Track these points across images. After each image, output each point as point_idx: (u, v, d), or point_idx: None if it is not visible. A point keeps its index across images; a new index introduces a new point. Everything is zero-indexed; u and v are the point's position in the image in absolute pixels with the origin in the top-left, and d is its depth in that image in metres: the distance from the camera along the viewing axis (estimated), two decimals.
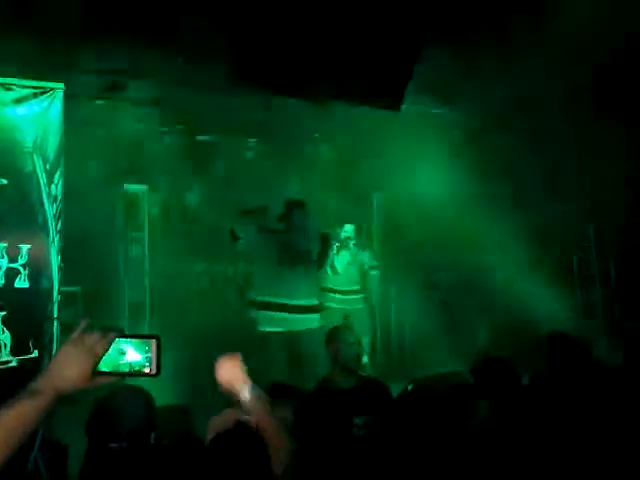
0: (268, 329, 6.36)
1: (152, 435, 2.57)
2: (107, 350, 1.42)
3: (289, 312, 6.34)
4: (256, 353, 6.63)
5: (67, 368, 1.39)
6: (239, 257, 9.41)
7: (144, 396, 2.60)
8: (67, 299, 5.21)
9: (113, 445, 2.38)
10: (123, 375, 1.46)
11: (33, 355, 4.37)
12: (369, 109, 5.22)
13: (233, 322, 9.24)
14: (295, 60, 3.93)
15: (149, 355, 1.45)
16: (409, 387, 5.34)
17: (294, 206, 6.80)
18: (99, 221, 7.89)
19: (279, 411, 2.78)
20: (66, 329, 4.54)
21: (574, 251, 9.33)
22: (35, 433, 4.21)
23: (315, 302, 6.67)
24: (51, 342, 4.43)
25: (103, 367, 1.44)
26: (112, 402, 2.51)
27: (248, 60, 3.90)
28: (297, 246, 6.53)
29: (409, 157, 8.72)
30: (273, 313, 6.36)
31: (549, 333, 3.66)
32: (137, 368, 1.46)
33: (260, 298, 6.47)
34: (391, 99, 4.23)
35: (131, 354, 1.45)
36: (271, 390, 3.11)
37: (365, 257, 8.08)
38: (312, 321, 6.53)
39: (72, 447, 4.49)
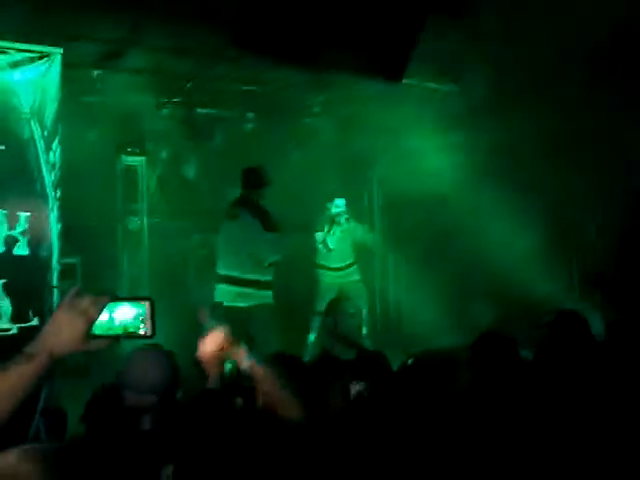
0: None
1: (179, 393, 2.68)
2: (100, 313, 1.42)
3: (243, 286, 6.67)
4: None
5: (61, 331, 1.40)
6: None
7: (168, 355, 2.71)
8: (66, 271, 5.20)
9: (143, 400, 2.48)
10: (118, 338, 1.47)
11: (33, 323, 4.38)
12: (370, 81, 5.18)
13: None
14: (296, 29, 3.89)
15: (143, 317, 1.45)
16: (409, 361, 5.38)
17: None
18: (98, 193, 7.87)
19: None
20: None
21: (573, 226, 9.30)
22: (36, 399, 4.23)
23: (269, 278, 6.82)
24: (51, 310, 4.43)
25: (97, 330, 1.43)
26: (139, 360, 2.61)
27: (250, 29, 3.85)
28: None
29: (409, 131, 8.68)
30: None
31: (556, 310, 3.69)
32: (132, 330, 1.46)
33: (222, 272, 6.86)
34: (393, 71, 4.18)
35: (125, 316, 1.45)
36: (272, 360, 3.12)
37: (359, 230, 8.04)
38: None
39: (72, 417, 4.53)
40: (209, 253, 9.54)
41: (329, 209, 7.86)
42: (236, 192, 9.22)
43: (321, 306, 7.43)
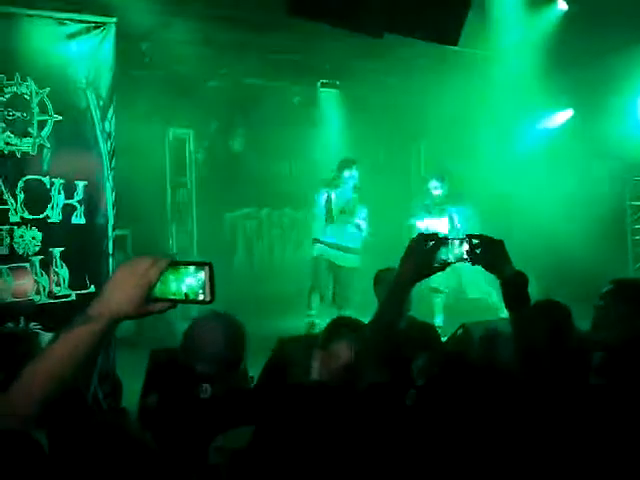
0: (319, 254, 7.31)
1: (243, 363, 2.58)
2: (160, 276, 1.39)
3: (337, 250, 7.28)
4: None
5: (120, 293, 1.37)
6: (285, 203, 9.45)
7: (237, 324, 2.56)
8: (116, 241, 5.27)
9: (200, 368, 2.39)
10: (177, 302, 1.42)
11: (90, 290, 4.45)
12: (424, 46, 5.08)
13: (280, 264, 9.36)
14: None
15: (202, 282, 1.41)
16: (459, 332, 5.32)
17: (345, 165, 7.28)
18: (146, 165, 7.94)
19: (343, 351, 2.74)
20: None
21: (625, 200, 9.11)
22: (93, 367, 4.31)
23: (358, 245, 7.27)
24: (107, 277, 4.49)
25: (157, 293, 1.40)
26: (202, 328, 2.51)
27: None
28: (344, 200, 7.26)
29: (458, 104, 8.54)
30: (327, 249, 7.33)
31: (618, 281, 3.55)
32: (191, 295, 1.41)
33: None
34: (448, 32, 4.08)
35: (184, 280, 1.41)
36: (335, 327, 3.08)
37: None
38: (352, 260, 7.40)
39: (126, 386, 4.63)
40: (257, 224, 9.62)
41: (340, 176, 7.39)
42: (283, 165, 9.24)
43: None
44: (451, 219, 7.53)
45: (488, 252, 2.14)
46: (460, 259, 2.14)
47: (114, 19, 4.43)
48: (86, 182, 4.41)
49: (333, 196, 7.28)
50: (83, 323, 1.35)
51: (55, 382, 1.33)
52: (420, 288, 7.10)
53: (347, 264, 7.36)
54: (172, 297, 1.42)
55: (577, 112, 8.99)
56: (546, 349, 2.61)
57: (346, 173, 7.24)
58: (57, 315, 4.22)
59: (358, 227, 7.36)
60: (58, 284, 4.38)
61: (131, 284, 1.38)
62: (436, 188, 7.60)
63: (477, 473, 1.70)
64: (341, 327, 2.98)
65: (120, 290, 1.38)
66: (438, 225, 7.41)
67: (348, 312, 6.54)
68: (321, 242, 7.37)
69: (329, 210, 7.28)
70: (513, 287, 2.15)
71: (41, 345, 3.11)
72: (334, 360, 2.75)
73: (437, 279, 7.41)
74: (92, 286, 4.48)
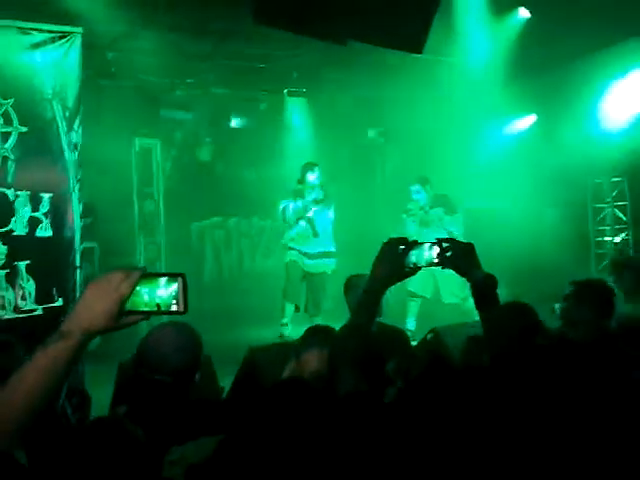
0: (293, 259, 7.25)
1: (197, 375, 2.51)
2: (132, 289, 1.39)
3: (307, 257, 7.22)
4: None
5: (93, 308, 1.37)
6: (253, 212, 9.44)
7: (191, 333, 2.52)
8: (84, 254, 5.20)
9: (158, 378, 2.34)
10: (150, 314, 1.43)
11: (57, 304, 4.39)
12: (389, 54, 5.14)
13: (249, 273, 9.33)
14: (319, 3, 3.84)
15: (175, 293, 1.41)
16: (428, 336, 5.36)
17: (307, 168, 7.19)
18: (114, 176, 7.87)
19: (314, 360, 2.74)
20: (85, 283, 4.54)
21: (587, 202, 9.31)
22: (62, 386, 4.24)
23: (326, 249, 7.24)
24: (74, 291, 4.44)
25: (130, 306, 1.40)
26: (158, 338, 2.47)
27: (271, 3, 3.82)
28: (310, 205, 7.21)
29: (423, 110, 8.65)
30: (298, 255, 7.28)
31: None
32: (164, 306, 1.42)
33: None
34: (413, 40, 4.13)
35: (157, 292, 1.42)
36: (308, 335, 3.08)
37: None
38: (324, 266, 7.30)
39: (94, 399, 4.58)
40: (226, 234, 9.59)
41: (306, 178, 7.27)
42: (251, 173, 9.24)
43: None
44: (439, 222, 7.59)
45: (458, 255, 2.18)
46: (431, 263, 2.17)
47: (80, 29, 4.39)
48: (52, 194, 4.34)
49: (291, 206, 7.20)
50: (58, 340, 1.35)
51: (35, 399, 1.32)
52: (397, 292, 7.16)
53: (317, 270, 7.32)
54: (145, 309, 1.42)
55: (540, 117, 9.17)
56: (516, 348, 2.66)
57: (309, 176, 7.18)
58: (23, 330, 4.13)
59: (322, 232, 7.31)
60: (24, 298, 4.30)
61: (103, 299, 1.38)
62: (418, 193, 7.68)
63: (460, 471, 1.72)
64: (313, 336, 2.99)
65: (93, 305, 1.38)
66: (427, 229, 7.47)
67: (319, 319, 6.56)
68: (291, 248, 7.33)
69: (287, 219, 7.24)
70: (483, 289, 2.19)
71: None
72: (305, 369, 2.76)
73: (414, 283, 7.48)
74: (59, 299, 4.41)
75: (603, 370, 2.51)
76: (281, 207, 7.28)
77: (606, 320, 3.39)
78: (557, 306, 3.55)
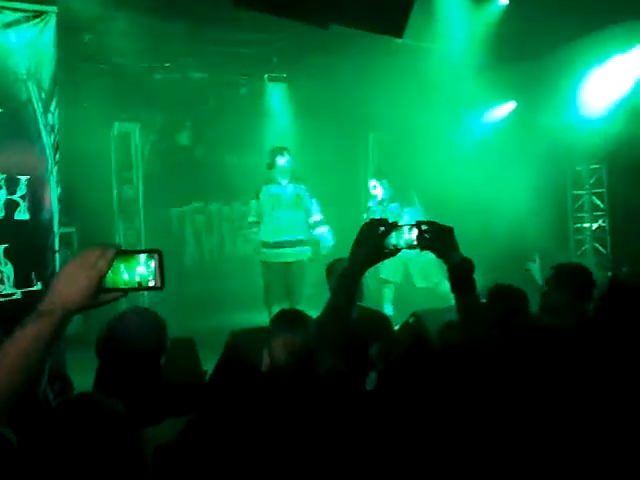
0: (268, 260, 7.01)
1: (162, 358, 2.52)
2: (109, 266, 1.40)
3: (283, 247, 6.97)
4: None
5: (71, 286, 1.37)
6: (234, 197, 9.40)
7: (155, 317, 2.56)
8: (63, 240, 5.15)
9: (122, 363, 2.36)
10: (128, 290, 1.44)
11: (36, 288, 4.36)
12: (370, 39, 5.13)
13: (230, 257, 9.31)
14: None
15: (152, 269, 1.42)
16: (410, 320, 5.41)
17: (277, 152, 6.98)
18: (92, 160, 7.79)
19: (283, 345, 2.76)
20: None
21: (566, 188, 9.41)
22: (43, 365, 4.21)
23: (302, 237, 7.05)
24: (53, 274, 4.40)
25: (108, 283, 1.41)
26: (122, 321, 2.48)
27: None
28: (285, 189, 6.99)
29: (404, 96, 8.64)
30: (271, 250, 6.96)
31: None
32: (142, 282, 1.43)
33: (264, 239, 7.02)
34: (394, 24, 4.13)
35: (134, 269, 1.43)
36: (277, 320, 3.09)
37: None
38: (301, 253, 7.07)
39: (76, 385, 4.56)
40: (206, 219, 9.55)
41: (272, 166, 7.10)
42: (231, 158, 9.20)
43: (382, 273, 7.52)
44: (397, 217, 7.58)
45: (437, 239, 2.19)
46: (410, 245, 2.17)
47: (54, 8, 4.32)
48: (29, 177, 4.30)
49: (260, 197, 6.99)
50: (37, 318, 1.34)
51: (17, 377, 1.31)
52: (370, 279, 7.15)
53: (296, 258, 7.11)
54: (123, 286, 1.43)
55: (520, 104, 9.22)
56: (495, 332, 2.68)
57: (279, 160, 6.93)
58: (2, 314, 4.10)
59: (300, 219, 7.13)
60: (2, 282, 4.26)
61: (81, 276, 1.38)
62: (374, 188, 7.69)
63: (440, 456, 1.74)
64: (282, 321, 3.00)
65: (70, 282, 1.38)
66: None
67: (301, 307, 6.49)
68: (263, 245, 7.03)
69: (259, 212, 7.03)
70: (460, 273, 2.21)
71: None
72: (276, 354, 2.78)
73: (385, 270, 7.53)
74: (38, 283, 4.38)
75: (578, 354, 2.54)
76: (254, 201, 7.06)
77: (585, 304, 3.44)
78: (530, 265, 3.60)
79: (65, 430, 1.47)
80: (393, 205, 7.69)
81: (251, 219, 7.13)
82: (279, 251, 7.02)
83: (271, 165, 7.04)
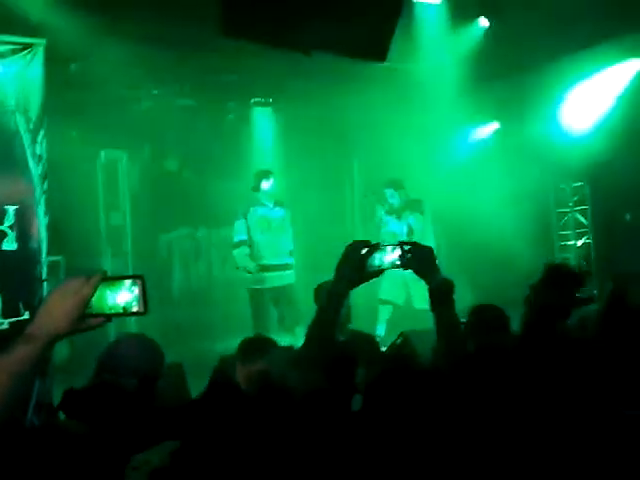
0: (256, 287, 7.05)
1: (159, 383, 2.59)
2: (93, 292, 1.44)
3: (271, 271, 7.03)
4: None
5: (56, 312, 1.41)
6: (222, 223, 9.43)
7: (151, 342, 2.65)
8: (50, 269, 5.15)
9: (122, 381, 2.40)
10: (112, 315, 1.48)
11: (24, 317, 4.36)
12: (351, 64, 5.21)
13: (218, 284, 9.29)
14: (277, 9, 3.89)
15: (135, 294, 1.47)
16: (398, 340, 5.43)
17: (262, 176, 7.16)
18: (80, 188, 7.80)
19: (254, 366, 2.81)
20: None
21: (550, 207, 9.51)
22: (29, 395, 4.21)
23: (289, 261, 7.17)
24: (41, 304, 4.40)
25: (93, 309, 1.46)
26: (121, 345, 2.58)
27: (231, 11, 3.85)
28: (272, 212, 7.12)
29: (388, 119, 8.76)
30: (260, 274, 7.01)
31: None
32: (126, 307, 1.48)
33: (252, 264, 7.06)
34: (375, 49, 4.20)
35: (118, 295, 1.47)
36: (246, 346, 3.13)
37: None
38: (289, 277, 7.12)
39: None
40: (194, 245, 9.55)
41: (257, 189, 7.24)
42: (219, 184, 9.23)
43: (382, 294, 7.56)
44: (409, 227, 7.67)
45: (418, 258, 2.25)
46: (393, 265, 2.22)
47: (43, 40, 4.38)
48: (17, 206, 4.33)
49: (248, 218, 7.08)
50: (22, 343, 1.38)
51: (3, 401, 1.34)
52: (369, 300, 7.15)
53: (284, 282, 7.13)
54: (107, 312, 1.47)
55: (502, 124, 9.36)
56: (472, 349, 2.71)
57: (264, 184, 7.11)
58: None
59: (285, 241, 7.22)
60: None
61: (65, 302, 1.42)
62: (392, 196, 7.76)
63: (425, 474, 1.75)
64: (245, 350, 3.04)
65: (55, 309, 1.42)
66: (397, 231, 7.56)
67: (300, 329, 6.50)
68: (253, 270, 7.01)
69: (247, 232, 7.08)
70: (439, 293, 2.26)
71: None
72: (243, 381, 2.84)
73: (388, 292, 7.55)
74: (26, 313, 4.38)
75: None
76: (241, 223, 7.09)
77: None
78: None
79: (33, 456, 1.50)
80: (406, 213, 7.74)
81: (240, 237, 7.14)
82: (269, 274, 7.01)
83: (256, 188, 7.13)
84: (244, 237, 7.10)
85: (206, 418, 2.06)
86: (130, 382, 2.42)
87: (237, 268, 7.20)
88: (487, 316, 3.58)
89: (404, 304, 7.69)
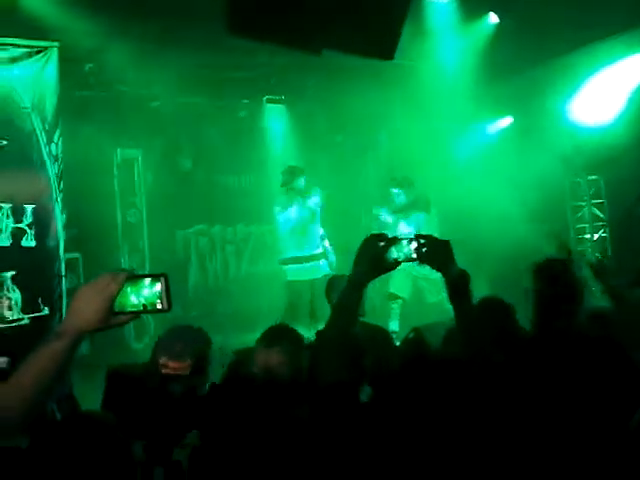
0: (290, 279, 7.47)
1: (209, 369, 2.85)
2: (119, 290, 1.51)
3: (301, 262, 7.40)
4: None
5: (85, 309, 1.49)
6: (237, 219, 9.51)
7: (201, 330, 2.94)
8: (68, 265, 5.26)
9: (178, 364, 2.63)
10: (138, 312, 1.55)
11: (44, 313, 4.46)
12: (363, 61, 5.24)
13: (235, 280, 9.38)
14: (288, 8, 3.94)
15: (159, 292, 1.53)
16: (410, 335, 5.46)
17: (294, 173, 7.44)
18: (96, 186, 7.91)
19: (275, 355, 2.87)
20: (70, 294, 4.61)
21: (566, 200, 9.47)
22: (59, 381, 4.30)
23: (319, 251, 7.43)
24: (60, 299, 4.51)
25: (118, 307, 1.52)
26: (178, 330, 2.84)
27: (242, 10, 3.90)
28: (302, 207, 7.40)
29: (401, 115, 8.77)
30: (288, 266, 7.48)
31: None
32: (150, 305, 1.54)
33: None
34: (384, 46, 4.22)
35: (142, 292, 1.53)
36: (269, 334, 3.19)
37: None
38: (319, 268, 7.41)
39: (83, 405, 4.63)
40: (210, 241, 9.63)
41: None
42: (233, 180, 9.31)
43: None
44: (416, 225, 7.68)
45: (434, 252, 2.28)
46: (409, 258, 2.26)
47: (56, 43, 4.48)
48: (35, 205, 4.43)
49: (293, 211, 7.39)
50: (54, 340, 1.47)
51: (35, 392, 1.43)
52: (377, 296, 7.19)
53: (320, 273, 7.35)
54: (132, 309, 1.54)
55: (517, 118, 9.33)
56: (489, 342, 2.74)
57: (301, 181, 7.44)
58: (11, 339, 4.20)
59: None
60: (10, 308, 4.37)
61: (94, 300, 1.50)
62: (398, 195, 7.77)
63: (438, 467, 1.80)
64: (271, 335, 3.11)
65: (84, 306, 1.50)
66: (404, 231, 7.58)
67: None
68: (291, 261, 7.41)
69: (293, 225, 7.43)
70: (456, 284, 2.29)
71: None
72: (263, 366, 2.92)
73: (394, 284, 7.58)
74: (45, 308, 4.48)
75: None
76: (282, 215, 7.46)
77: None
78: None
79: (64, 442, 1.58)
80: (414, 212, 7.77)
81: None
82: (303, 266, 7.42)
83: (292, 186, 7.41)
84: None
85: (226, 406, 2.16)
86: (185, 363, 2.65)
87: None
88: (494, 310, 3.60)
89: (411, 298, 7.72)
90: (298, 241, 7.47)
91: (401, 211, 7.80)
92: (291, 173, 7.43)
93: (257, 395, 2.13)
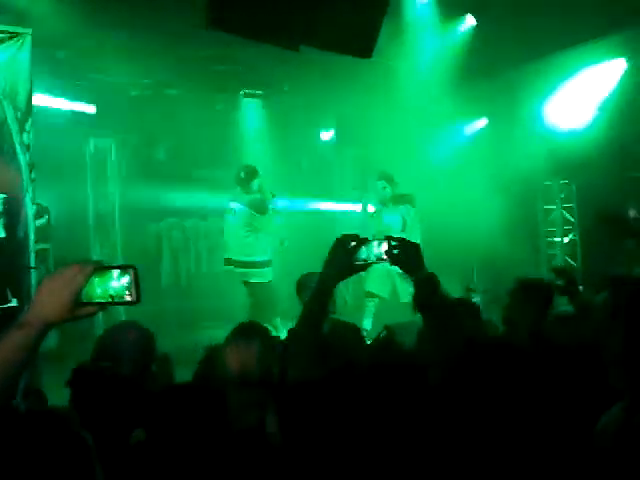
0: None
1: (153, 366, 2.80)
2: (86, 281, 1.48)
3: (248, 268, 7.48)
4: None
5: (50, 300, 1.45)
6: (210, 211, 9.45)
7: (146, 331, 2.84)
8: (39, 256, 5.17)
9: (117, 369, 2.54)
10: (105, 304, 1.51)
11: (12, 304, 4.38)
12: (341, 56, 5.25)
13: (207, 274, 9.33)
14: (267, 4, 3.93)
15: (128, 284, 1.49)
16: (382, 334, 5.48)
17: (251, 174, 7.41)
18: (68, 176, 7.80)
19: (245, 351, 2.86)
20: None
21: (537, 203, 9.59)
22: (21, 374, 4.23)
23: (268, 258, 7.50)
24: (29, 291, 4.44)
25: (85, 298, 1.49)
26: (118, 332, 2.78)
27: (221, 4, 3.88)
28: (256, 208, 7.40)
29: (376, 113, 8.79)
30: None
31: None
32: (118, 296, 1.50)
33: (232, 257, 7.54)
34: (362, 45, 4.24)
35: (110, 284, 1.50)
36: (238, 329, 3.17)
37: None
38: (267, 274, 7.50)
39: (51, 400, 4.57)
40: (183, 235, 9.57)
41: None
42: (206, 173, 9.26)
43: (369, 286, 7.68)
44: (402, 218, 7.72)
45: (404, 254, 2.29)
46: (380, 259, 2.27)
47: (29, 30, 4.38)
48: (5, 195, 4.34)
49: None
50: (18, 329, 1.43)
51: (0, 381, 1.40)
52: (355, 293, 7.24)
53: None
54: (100, 300, 1.50)
55: (491, 120, 9.41)
56: (457, 344, 2.76)
57: (255, 184, 7.41)
58: None
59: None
60: None
61: (59, 290, 1.46)
62: (384, 188, 7.81)
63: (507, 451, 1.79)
64: (239, 331, 3.10)
65: (49, 297, 1.46)
66: (392, 222, 7.64)
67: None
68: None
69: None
70: (425, 288, 2.30)
71: None
72: (230, 362, 2.92)
73: (373, 284, 7.62)
74: (14, 300, 4.40)
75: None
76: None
77: (543, 319, 3.52)
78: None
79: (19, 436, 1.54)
80: (399, 205, 7.81)
81: None
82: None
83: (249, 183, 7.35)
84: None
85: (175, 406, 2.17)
86: (126, 367, 2.58)
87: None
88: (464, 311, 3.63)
89: (390, 297, 7.75)
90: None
91: (388, 202, 7.85)
92: (247, 173, 7.43)
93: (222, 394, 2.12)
